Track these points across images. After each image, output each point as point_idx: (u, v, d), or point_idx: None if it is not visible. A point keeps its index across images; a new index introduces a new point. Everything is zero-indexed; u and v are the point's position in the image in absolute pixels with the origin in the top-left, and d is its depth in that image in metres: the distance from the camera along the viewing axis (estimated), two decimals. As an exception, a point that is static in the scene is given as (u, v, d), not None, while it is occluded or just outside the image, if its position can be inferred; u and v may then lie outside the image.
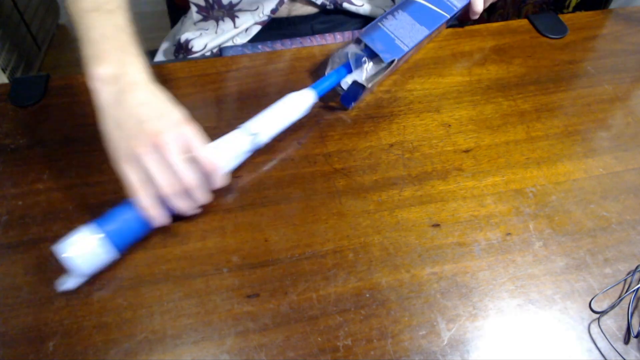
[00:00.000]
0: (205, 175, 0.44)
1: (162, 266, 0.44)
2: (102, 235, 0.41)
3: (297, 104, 0.52)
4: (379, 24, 0.56)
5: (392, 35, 0.56)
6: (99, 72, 0.42)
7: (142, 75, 0.44)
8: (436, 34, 0.64)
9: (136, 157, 0.41)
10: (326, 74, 0.56)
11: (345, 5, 0.72)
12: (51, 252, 0.44)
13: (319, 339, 0.40)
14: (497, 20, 0.69)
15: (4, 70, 1.52)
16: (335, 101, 0.58)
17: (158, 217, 0.42)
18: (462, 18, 0.65)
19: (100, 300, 0.42)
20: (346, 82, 0.56)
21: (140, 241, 0.45)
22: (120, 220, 0.43)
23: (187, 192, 0.43)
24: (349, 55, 0.55)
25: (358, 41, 0.56)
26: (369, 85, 0.55)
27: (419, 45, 0.58)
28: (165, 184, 0.41)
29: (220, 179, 0.45)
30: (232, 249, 0.45)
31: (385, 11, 0.76)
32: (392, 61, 0.55)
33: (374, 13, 0.75)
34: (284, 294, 0.42)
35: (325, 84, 0.54)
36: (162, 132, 0.41)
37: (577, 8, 1.14)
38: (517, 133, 0.55)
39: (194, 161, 0.43)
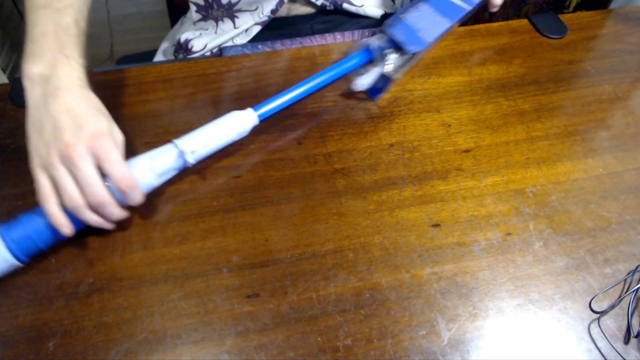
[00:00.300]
0: (120, 192, 0.42)
1: (162, 266, 0.44)
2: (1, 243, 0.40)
3: (237, 124, 0.49)
4: (401, 16, 0.57)
5: (414, 28, 0.56)
6: (31, 71, 0.42)
7: (73, 80, 0.42)
8: (456, 27, 0.64)
9: (48, 165, 0.40)
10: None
11: (345, 5, 0.72)
12: (51, 252, 0.44)
13: (319, 339, 0.40)
14: (497, 20, 0.69)
15: (4, 70, 1.52)
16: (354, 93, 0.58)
17: (64, 227, 0.41)
18: (478, 13, 0.66)
19: (100, 300, 0.42)
20: (357, 83, 0.56)
21: (139, 242, 0.45)
22: (25, 228, 0.41)
23: (96, 207, 0.41)
24: (372, 48, 0.56)
25: (380, 34, 0.56)
26: (396, 77, 0.55)
27: (441, 38, 0.59)
28: (73, 197, 0.40)
29: (136, 197, 0.43)
30: (232, 249, 0.45)
31: (385, 11, 0.77)
32: (414, 54, 0.55)
33: (373, 13, 0.75)
34: (284, 294, 0.42)
35: (270, 105, 0.52)
36: (76, 144, 0.39)
37: (578, 8, 1.14)
38: (517, 133, 0.55)
39: (108, 177, 0.41)
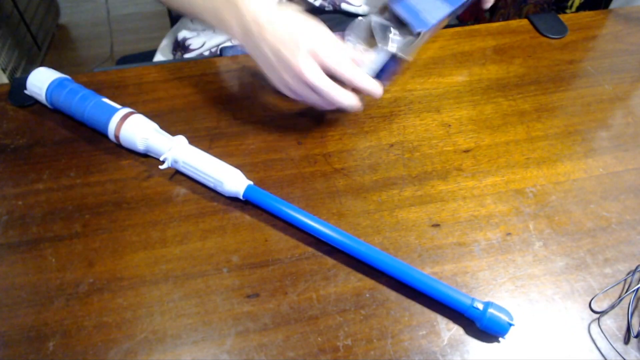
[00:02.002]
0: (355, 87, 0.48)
1: (162, 266, 0.44)
2: None
3: (226, 180, 0.47)
4: None
5: (417, 8, 0.53)
6: (232, 31, 0.48)
7: (265, 12, 0.46)
8: (451, 18, 0.62)
9: (296, 91, 0.48)
10: (346, 38, 0.54)
11: (344, 5, 0.72)
12: (51, 252, 0.44)
13: (319, 339, 0.40)
14: (498, 20, 0.69)
15: (4, 70, 1.53)
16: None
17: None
18: (471, 12, 0.64)
19: (100, 300, 0.42)
20: None
21: (139, 242, 0.45)
22: None
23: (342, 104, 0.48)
24: (373, 25, 0.53)
25: (381, 11, 0.54)
26: (406, 58, 0.52)
27: (440, 24, 0.56)
28: (325, 104, 0.48)
29: (372, 88, 0.48)
30: (232, 249, 0.45)
31: None
32: (418, 34, 0.53)
33: (371, 13, 0.76)
34: (284, 294, 0.42)
35: (264, 199, 0.46)
36: (299, 65, 0.45)
37: (581, 8, 1.14)
38: (517, 133, 0.55)
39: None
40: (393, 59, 0.52)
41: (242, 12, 0.46)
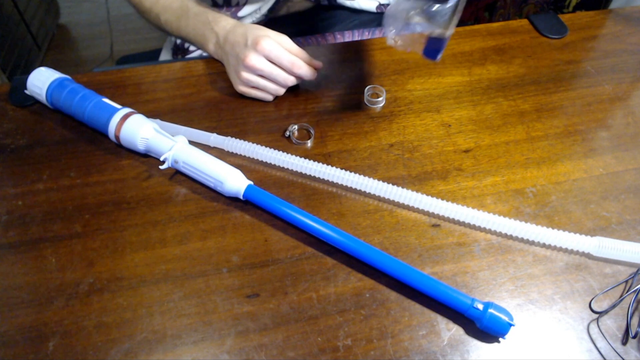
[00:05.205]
0: (292, 73, 0.56)
1: (162, 266, 0.44)
2: None
3: (225, 178, 0.47)
4: None
5: None
6: (208, 48, 0.60)
7: (227, 26, 0.58)
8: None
9: (247, 82, 0.56)
10: (385, 34, 0.52)
11: (340, 0, 0.73)
12: (51, 252, 0.44)
13: (319, 339, 0.40)
14: (498, 20, 0.69)
15: (3, 70, 1.53)
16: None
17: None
18: (471, 12, 0.63)
19: (100, 301, 0.42)
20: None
21: (139, 242, 0.45)
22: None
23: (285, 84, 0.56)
24: (424, 6, 0.49)
25: None
26: (448, 35, 0.49)
27: None
28: (273, 89, 0.56)
29: (304, 71, 0.56)
30: (232, 249, 0.45)
31: (379, 2, 0.77)
32: (456, 5, 0.49)
33: (368, 6, 0.76)
34: (284, 294, 0.42)
35: (263, 198, 0.47)
36: (247, 57, 0.53)
37: (577, 8, 1.15)
38: (517, 133, 0.55)
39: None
40: (440, 38, 0.50)
41: (218, 32, 0.58)
